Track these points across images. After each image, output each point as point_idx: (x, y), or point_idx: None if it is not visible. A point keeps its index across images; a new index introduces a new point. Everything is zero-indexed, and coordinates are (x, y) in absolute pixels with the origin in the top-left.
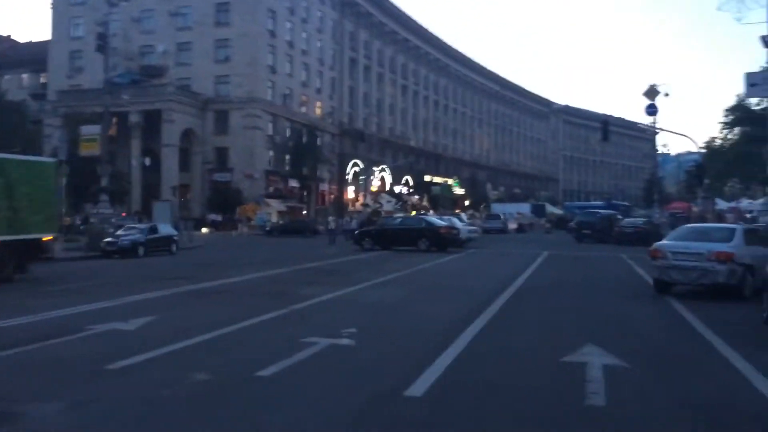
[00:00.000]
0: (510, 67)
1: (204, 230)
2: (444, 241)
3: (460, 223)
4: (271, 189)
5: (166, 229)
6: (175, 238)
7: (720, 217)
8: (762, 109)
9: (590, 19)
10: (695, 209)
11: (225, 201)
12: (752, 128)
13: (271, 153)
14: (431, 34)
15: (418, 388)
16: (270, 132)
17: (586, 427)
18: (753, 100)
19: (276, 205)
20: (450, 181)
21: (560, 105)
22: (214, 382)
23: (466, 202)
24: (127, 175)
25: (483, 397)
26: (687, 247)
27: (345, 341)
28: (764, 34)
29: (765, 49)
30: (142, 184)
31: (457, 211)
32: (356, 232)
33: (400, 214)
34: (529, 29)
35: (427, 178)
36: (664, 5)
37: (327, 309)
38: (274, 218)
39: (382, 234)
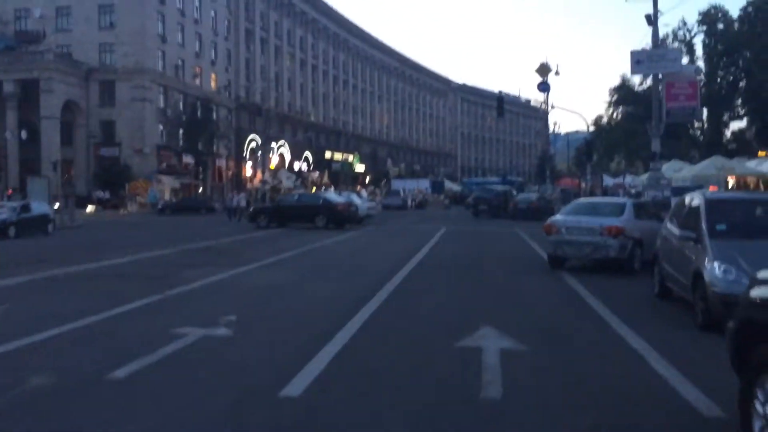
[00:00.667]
0: (409, 43)
1: (90, 209)
2: (341, 218)
3: (359, 199)
4: (163, 165)
5: (41, 207)
6: (52, 217)
7: (606, 192)
8: (644, 89)
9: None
10: (584, 185)
11: (113, 177)
12: (635, 107)
13: (162, 127)
14: (330, 7)
15: (296, 386)
16: (161, 105)
17: (482, 425)
18: (636, 80)
19: (169, 181)
20: (350, 158)
21: (458, 83)
22: (58, 386)
23: (367, 179)
24: (2, 150)
25: (368, 393)
26: (579, 221)
27: (221, 331)
28: (649, 12)
29: (650, 27)
30: (19, 159)
31: (357, 187)
32: (251, 209)
33: (300, 191)
34: (427, 4)
35: (327, 154)
36: None
37: (208, 294)
38: (167, 196)
39: (278, 211)
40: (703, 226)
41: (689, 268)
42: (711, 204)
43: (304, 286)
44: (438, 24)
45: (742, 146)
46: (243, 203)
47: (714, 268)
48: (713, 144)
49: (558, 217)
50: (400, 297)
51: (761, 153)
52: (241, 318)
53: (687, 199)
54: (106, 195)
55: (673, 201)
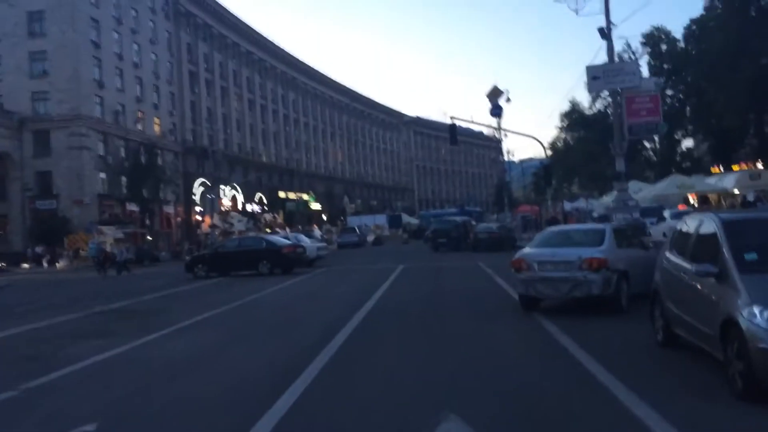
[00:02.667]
0: (359, 79)
1: (25, 266)
2: (288, 261)
3: (308, 239)
4: (105, 215)
5: None
6: None
7: (566, 217)
8: (594, 113)
9: (431, 32)
10: (546, 212)
11: (50, 231)
12: (587, 131)
13: (103, 175)
14: (276, 46)
15: None
16: (101, 152)
17: None
18: (585, 104)
19: (111, 232)
20: (305, 197)
21: (411, 116)
22: None
23: (324, 217)
24: None
25: None
26: (554, 255)
27: None
28: (602, 25)
29: (604, 42)
30: None
31: (311, 226)
32: (187, 258)
33: (252, 234)
34: (374, 40)
35: (282, 194)
36: (503, 17)
37: (82, 381)
38: (110, 247)
39: (218, 259)
40: (727, 257)
41: (714, 314)
42: (731, 227)
43: (219, 357)
44: (386, 58)
45: (695, 164)
46: (127, 255)
47: (755, 315)
48: (667, 163)
49: (528, 250)
50: (339, 367)
51: (714, 169)
52: (106, 423)
53: (690, 224)
54: (40, 251)
55: (653, 224)
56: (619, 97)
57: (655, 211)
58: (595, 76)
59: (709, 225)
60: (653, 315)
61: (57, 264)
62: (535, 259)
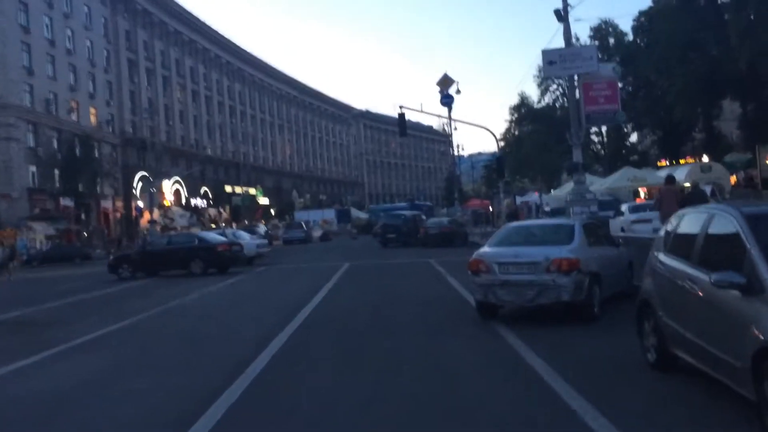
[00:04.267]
0: (307, 71)
1: None
2: (223, 260)
3: (248, 236)
4: (36, 210)
5: None
6: None
7: (518, 212)
8: (544, 107)
9: (382, 21)
10: (498, 206)
11: None
12: (536, 125)
13: (33, 168)
14: (221, 36)
15: None
16: (31, 144)
17: None
18: (534, 98)
19: (41, 228)
20: (252, 191)
21: (360, 110)
22: None
23: (272, 212)
24: None
25: None
26: (517, 255)
27: None
28: (558, 7)
29: (560, 24)
30: None
31: (255, 221)
32: (111, 257)
33: (196, 230)
34: (321, 30)
35: (228, 188)
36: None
37: None
38: (40, 244)
39: (146, 258)
40: (759, 263)
41: (741, 339)
42: (759, 224)
43: (104, 392)
44: (336, 49)
45: (642, 157)
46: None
47: None
48: (616, 156)
49: (486, 249)
50: (251, 410)
51: (661, 163)
52: None
53: (692, 220)
54: None
55: (611, 219)
56: (576, 84)
57: (611, 205)
58: (551, 61)
59: (725, 221)
60: (641, 330)
61: None
62: (495, 259)
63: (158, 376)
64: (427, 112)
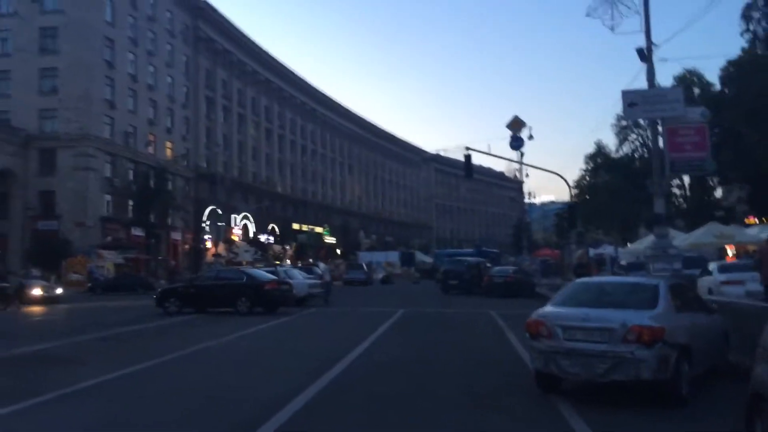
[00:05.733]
0: (379, 112)
1: None
2: (270, 299)
3: (301, 275)
4: (108, 239)
5: None
6: None
7: (589, 265)
8: (622, 157)
9: (453, 67)
10: (578, 257)
11: (49, 253)
12: (613, 175)
13: (108, 197)
14: (296, 76)
15: None
16: (108, 174)
17: None
18: (611, 147)
19: (111, 257)
20: (318, 229)
21: (431, 153)
22: None
23: (338, 251)
24: None
25: None
26: (587, 318)
27: None
28: (641, 45)
29: (642, 64)
30: None
31: (310, 260)
32: (159, 290)
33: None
34: (396, 75)
35: (295, 226)
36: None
37: None
38: (107, 272)
39: (192, 292)
40: None
41: None
42: None
43: None
44: (407, 92)
45: (728, 213)
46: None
47: None
48: (699, 211)
49: (549, 309)
50: None
51: (749, 220)
52: None
53: None
54: (37, 274)
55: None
56: (660, 129)
57: (697, 262)
58: (632, 103)
59: None
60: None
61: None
62: (559, 322)
63: None
64: (496, 155)
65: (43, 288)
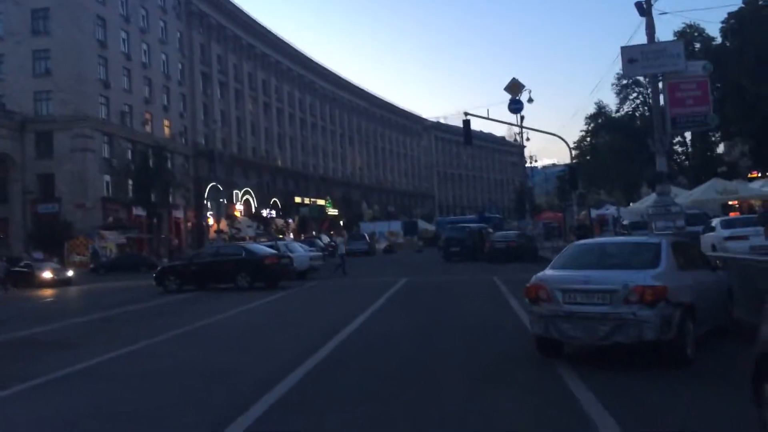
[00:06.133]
0: (378, 82)
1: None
2: (271, 274)
3: (301, 248)
4: (109, 219)
5: None
6: None
7: (591, 225)
8: (623, 116)
9: (451, 30)
10: (579, 218)
11: (51, 236)
12: (614, 135)
13: (108, 178)
14: (293, 48)
15: None
16: (106, 154)
17: None
18: (612, 107)
19: (113, 237)
20: (321, 202)
21: (431, 121)
22: None
23: (341, 223)
24: None
25: None
26: (587, 280)
27: None
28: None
29: (642, 19)
30: None
31: (331, 232)
32: (158, 268)
33: (263, 239)
34: (391, 41)
35: (297, 199)
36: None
37: None
38: (110, 252)
39: (191, 270)
40: None
41: None
42: None
43: None
44: (405, 59)
45: (731, 169)
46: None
47: None
48: (702, 167)
49: (549, 272)
50: None
51: (753, 174)
52: None
53: None
54: (40, 255)
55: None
56: (661, 84)
57: (700, 219)
58: (632, 59)
59: None
60: (759, 395)
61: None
62: (558, 285)
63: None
64: (495, 119)
65: (53, 271)
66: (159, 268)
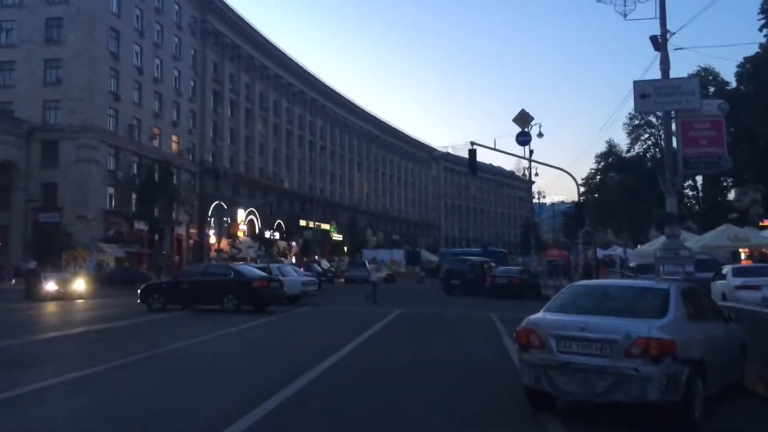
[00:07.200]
0: (388, 109)
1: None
2: (259, 297)
3: (294, 272)
4: (110, 232)
5: None
6: None
7: (598, 265)
8: (633, 156)
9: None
10: (588, 257)
11: (50, 245)
12: (624, 175)
13: (111, 190)
14: (305, 71)
15: None
16: (111, 167)
17: None
18: (623, 147)
19: (112, 250)
20: (325, 226)
21: (440, 151)
22: None
23: (345, 248)
24: None
25: None
26: (585, 327)
27: None
28: (655, 33)
29: (656, 53)
30: None
31: (316, 257)
32: (143, 286)
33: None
34: (406, 72)
35: (302, 222)
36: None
37: None
38: (107, 266)
39: (178, 288)
40: None
41: None
42: None
43: None
44: (417, 87)
45: (742, 216)
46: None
47: None
48: (711, 212)
49: (543, 315)
50: None
51: (764, 222)
52: None
53: None
54: (32, 266)
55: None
56: (674, 123)
57: (710, 265)
58: (645, 94)
59: None
60: None
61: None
62: (552, 331)
63: None
64: (503, 151)
65: (61, 282)
66: (143, 286)
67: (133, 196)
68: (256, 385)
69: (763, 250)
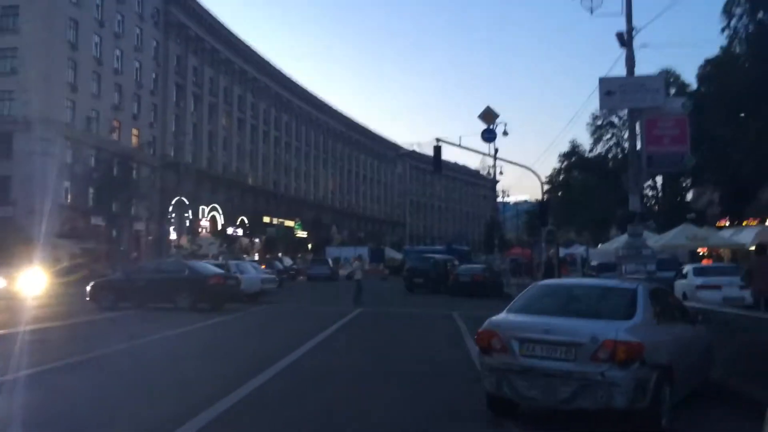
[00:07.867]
0: (354, 106)
1: None
2: (214, 295)
3: (253, 270)
4: (66, 227)
5: None
6: None
7: (559, 264)
8: (596, 156)
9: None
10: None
11: (2, 240)
12: (586, 175)
13: (68, 185)
14: (271, 66)
15: None
16: (68, 160)
17: None
18: (586, 146)
19: (67, 246)
20: (289, 223)
21: (406, 149)
22: None
23: (309, 245)
24: None
25: None
26: (549, 329)
27: None
28: (621, 30)
29: (623, 49)
30: None
31: (279, 254)
32: (92, 283)
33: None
34: (375, 68)
35: (266, 219)
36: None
37: None
38: (64, 262)
39: (129, 286)
40: None
41: None
42: None
43: None
44: (383, 85)
45: (700, 216)
46: None
47: None
48: (670, 212)
49: (504, 316)
50: None
51: (720, 223)
52: None
53: None
54: None
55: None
56: (638, 120)
57: (671, 264)
58: (610, 91)
59: None
60: None
61: None
62: (515, 333)
63: None
64: (468, 148)
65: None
66: (92, 283)
67: (90, 190)
68: (194, 395)
69: (720, 250)
